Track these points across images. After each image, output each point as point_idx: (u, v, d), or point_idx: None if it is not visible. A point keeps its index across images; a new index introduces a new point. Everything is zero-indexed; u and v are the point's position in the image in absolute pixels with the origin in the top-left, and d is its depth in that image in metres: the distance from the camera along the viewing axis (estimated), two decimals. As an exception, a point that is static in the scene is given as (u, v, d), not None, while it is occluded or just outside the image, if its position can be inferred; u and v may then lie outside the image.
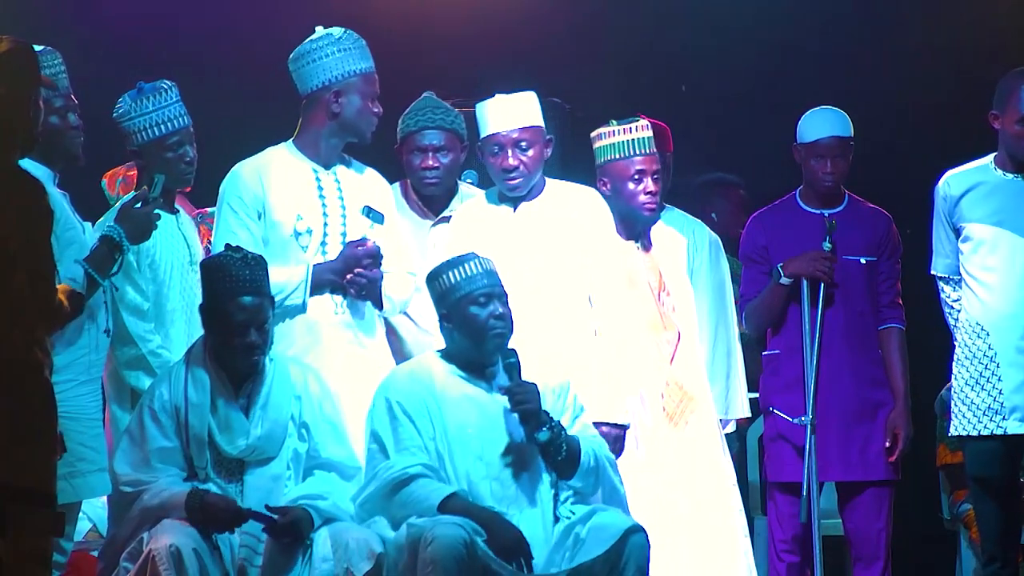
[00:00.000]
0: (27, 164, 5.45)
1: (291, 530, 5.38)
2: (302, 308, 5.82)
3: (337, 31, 5.93)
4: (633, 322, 6.13)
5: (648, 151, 6.20)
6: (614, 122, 6.20)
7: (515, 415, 5.48)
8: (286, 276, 5.75)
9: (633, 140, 6.19)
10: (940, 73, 7.91)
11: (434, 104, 6.43)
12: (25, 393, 4.37)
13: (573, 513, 5.50)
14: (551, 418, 5.47)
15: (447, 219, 6.34)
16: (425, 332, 6.19)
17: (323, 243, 5.91)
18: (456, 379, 5.60)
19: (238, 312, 5.49)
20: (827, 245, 6.51)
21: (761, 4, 8.13)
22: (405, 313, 6.19)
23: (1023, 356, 6.02)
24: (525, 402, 5.45)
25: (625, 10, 8.29)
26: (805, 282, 6.50)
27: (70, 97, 5.71)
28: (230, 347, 5.52)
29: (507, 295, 5.60)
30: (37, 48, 5.57)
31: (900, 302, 6.66)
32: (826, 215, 6.61)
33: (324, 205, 5.94)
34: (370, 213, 5.98)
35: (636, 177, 6.20)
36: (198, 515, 5.34)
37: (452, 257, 5.65)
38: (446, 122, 6.40)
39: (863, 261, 6.60)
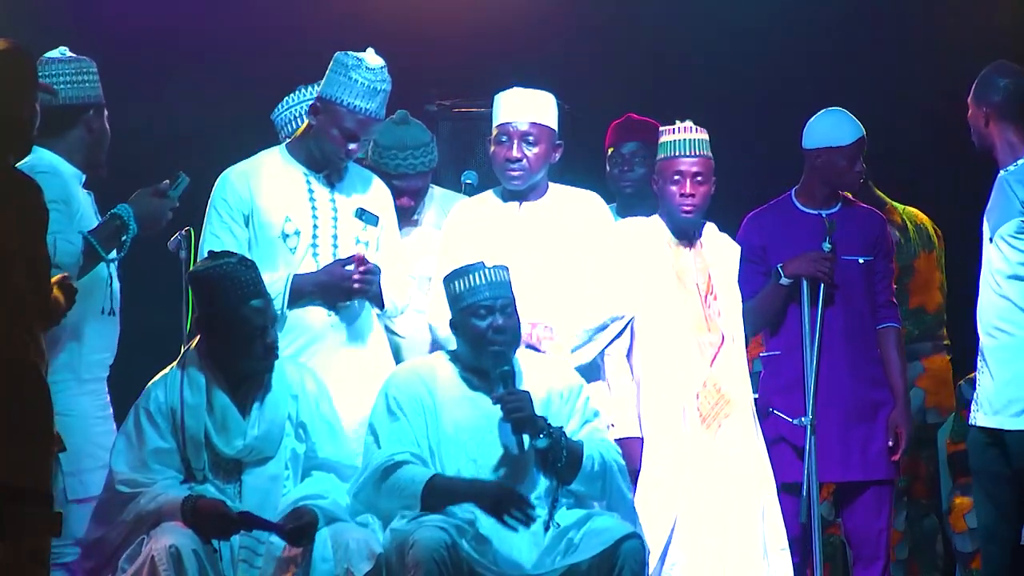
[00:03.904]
0: (56, 160, 5.55)
1: (307, 533, 5.37)
2: (284, 316, 5.81)
3: (373, 62, 5.89)
4: (678, 321, 6.15)
5: (690, 153, 6.19)
6: (677, 121, 6.22)
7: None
8: (267, 283, 5.72)
9: (677, 141, 6.20)
10: (946, 72, 7.90)
11: (414, 143, 6.39)
12: (23, 392, 4.38)
13: (559, 524, 5.49)
14: (549, 424, 5.47)
15: (414, 223, 6.40)
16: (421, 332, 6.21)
17: (313, 245, 5.91)
18: (459, 381, 5.63)
19: (255, 317, 5.49)
20: (827, 245, 6.51)
21: (762, 4, 8.12)
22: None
23: (982, 352, 6.05)
24: (517, 410, 5.46)
25: (626, 10, 8.28)
26: (805, 282, 6.51)
27: (101, 107, 5.78)
28: (248, 351, 5.51)
29: (512, 304, 5.61)
30: (71, 55, 5.67)
31: (895, 301, 6.67)
32: (824, 215, 6.62)
33: (314, 208, 5.94)
34: (363, 215, 5.98)
35: (675, 178, 6.21)
36: (191, 521, 5.34)
37: (462, 266, 5.68)
38: (424, 164, 6.39)
39: (861, 261, 6.61)
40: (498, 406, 5.50)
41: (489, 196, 6.19)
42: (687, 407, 6.12)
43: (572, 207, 6.13)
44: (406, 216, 6.35)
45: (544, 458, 5.49)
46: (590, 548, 5.38)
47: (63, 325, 5.37)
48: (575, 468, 5.50)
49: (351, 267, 5.82)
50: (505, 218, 6.10)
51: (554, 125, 6.10)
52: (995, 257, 5.96)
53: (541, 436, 5.44)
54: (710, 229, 6.36)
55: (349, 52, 5.90)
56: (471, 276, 5.61)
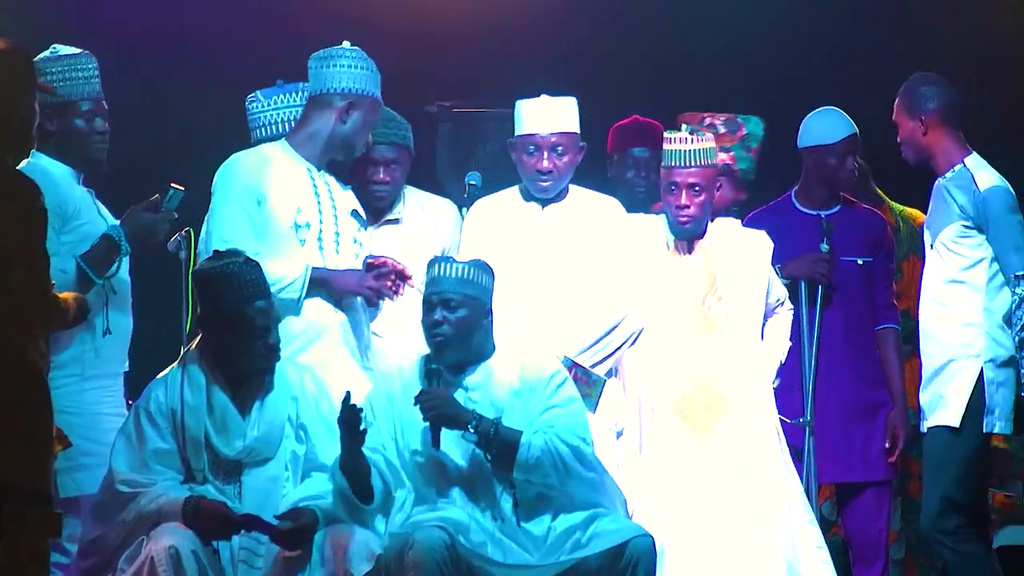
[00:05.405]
0: (47, 163, 5.57)
1: (303, 535, 5.39)
2: (298, 307, 5.81)
3: (362, 53, 5.94)
4: (667, 322, 6.15)
5: (685, 164, 6.17)
6: (683, 126, 6.23)
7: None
8: (284, 269, 5.74)
9: (674, 151, 6.20)
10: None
11: (387, 116, 6.35)
12: (22, 392, 4.39)
13: (507, 515, 5.51)
14: (479, 417, 5.48)
15: (395, 221, 6.33)
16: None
17: (319, 239, 5.92)
18: (424, 376, 5.67)
19: (258, 316, 5.50)
20: (824, 247, 6.52)
21: (763, 4, 8.13)
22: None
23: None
24: (430, 409, 5.48)
25: (627, 10, 8.29)
26: (803, 283, 6.52)
27: (100, 102, 5.79)
28: (251, 351, 5.51)
29: (458, 300, 5.57)
30: (73, 51, 5.69)
31: (895, 302, 6.68)
32: (823, 216, 6.63)
33: (319, 203, 5.94)
34: (357, 216, 6.02)
35: (672, 188, 6.21)
36: (192, 522, 5.35)
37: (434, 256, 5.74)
38: (398, 136, 6.35)
39: (860, 262, 6.61)
40: (467, 399, 5.55)
41: (511, 195, 6.23)
42: (659, 407, 6.11)
43: (593, 211, 6.18)
44: (381, 213, 6.32)
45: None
46: (598, 545, 5.41)
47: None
48: (509, 458, 5.49)
49: (378, 280, 5.82)
50: (528, 220, 6.15)
51: (578, 129, 6.14)
52: (935, 263, 6.01)
53: (467, 431, 5.47)
54: (726, 228, 6.34)
55: (341, 46, 5.92)
56: (432, 268, 5.64)
